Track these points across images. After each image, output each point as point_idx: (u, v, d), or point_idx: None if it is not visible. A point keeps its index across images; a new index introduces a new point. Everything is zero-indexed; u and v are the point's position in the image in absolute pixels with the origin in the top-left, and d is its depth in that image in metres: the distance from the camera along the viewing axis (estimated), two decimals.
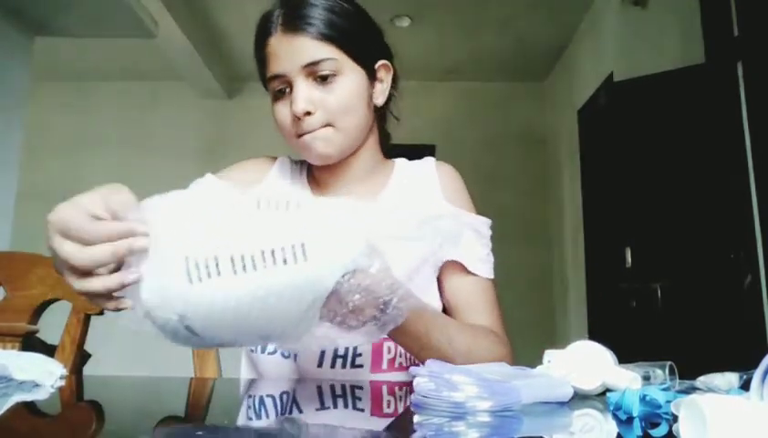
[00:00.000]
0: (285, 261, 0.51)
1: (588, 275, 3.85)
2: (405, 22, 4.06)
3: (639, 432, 0.48)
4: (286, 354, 0.84)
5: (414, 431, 0.49)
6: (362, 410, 0.62)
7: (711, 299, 2.50)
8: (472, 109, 5.03)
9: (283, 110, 0.85)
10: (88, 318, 0.99)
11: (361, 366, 0.82)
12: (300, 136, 0.84)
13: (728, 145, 2.38)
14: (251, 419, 0.57)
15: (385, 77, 0.91)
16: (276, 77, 0.83)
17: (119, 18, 2.66)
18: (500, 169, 4.92)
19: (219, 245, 0.50)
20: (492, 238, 0.91)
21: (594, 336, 3.46)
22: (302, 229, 0.52)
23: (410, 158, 1.00)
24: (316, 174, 0.96)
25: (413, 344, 0.72)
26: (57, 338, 0.97)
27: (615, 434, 0.49)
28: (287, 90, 0.83)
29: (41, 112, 4.52)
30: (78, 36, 3.00)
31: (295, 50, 0.81)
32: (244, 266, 0.50)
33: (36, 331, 1.00)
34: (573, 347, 0.62)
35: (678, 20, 2.94)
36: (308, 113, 0.82)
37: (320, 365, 0.82)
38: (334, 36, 0.81)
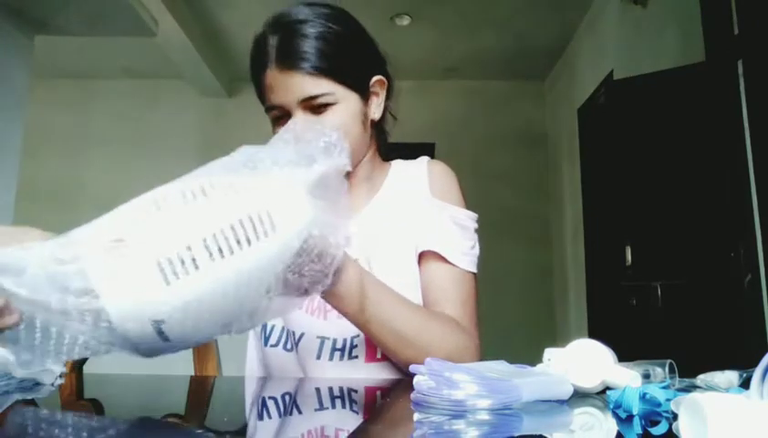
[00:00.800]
0: (256, 236, 0.50)
1: (588, 273, 3.85)
2: (405, 20, 4.06)
3: (639, 431, 0.48)
4: (288, 347, 0.87)
5: (414, 429, 0.49)
6: (357, 412, 0.62)
7: (711, 298, 2.50)
8: (472, 107, 5.03)
9: None
10: None
11: (357, 357, 0.84)
12: None
13: (728, 144, 2.38)
14: (257, 419, 0.57)
15: (380, 91, 0.93)
16: (274, 107, 0.85)
17: (120, 17, 2.66)
18: (500, 167, 4.92)
19: (186, 235, 0.48)
20: (478, 231, 0.92)
21: (594, 334, 3.46)
22: (259, 200, 0.52)
23: (409, 157, 1.01)
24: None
25: (358, 315, 0.71)
26: None
27: (615, 433, 0.49)
28: (285, 116, 0.85)
29: (41, 111, 4.53)
30: (79, 35, 3.00)
31: (292, 87, 0.82)
32: (220, 250, 0.48)
33: None
34: (573, 345, 0.62)
35: (678, 18, 2.94)
36: None
37: (319, 357, 0.85)
38: (328, 69, 0.83)
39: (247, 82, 0.93)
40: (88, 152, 4.95)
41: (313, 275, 0.60)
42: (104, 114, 5.03)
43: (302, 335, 0.86)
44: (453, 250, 0.87)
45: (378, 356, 0.85)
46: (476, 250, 0.90)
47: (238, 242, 0.49)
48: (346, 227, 0.62)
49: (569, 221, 4.40)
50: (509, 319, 4.41)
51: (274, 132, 0.88)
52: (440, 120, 4.87)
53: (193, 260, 0.47)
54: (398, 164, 1.00)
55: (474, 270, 0.89)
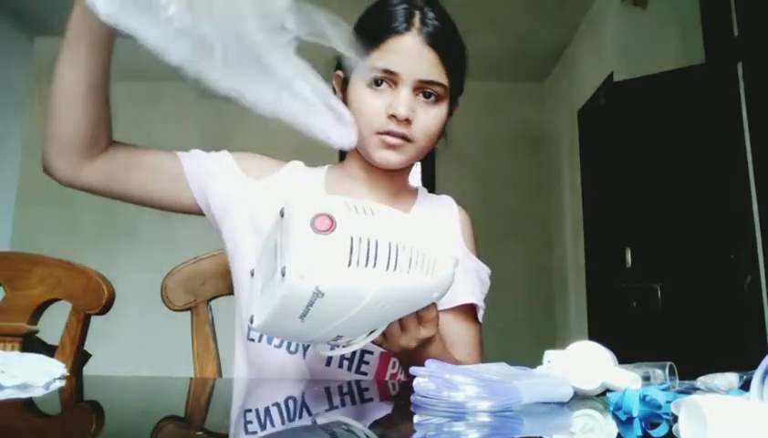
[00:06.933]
0: (425, 271, 0.56)
1: (588, 275, 3.85)
2: None
3: (639, 433, 0.48)
4: (293, 349, 0.85)
5: (414, 431, 0.49)
6: (356, 414, 0.62)
7: (712, 300, 2.50)
8: (472, 108, 5.02)
9: (375, 102, 0.84)
10: (88, 318, 0.99)
11: (366, 373, 0.84)
12: (381, 134, 0.85)
13: (728, 145, 2.38)
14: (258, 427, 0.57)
15: (454, 113, 0.95)
16: (386, 70, 0.83)
17: None
18: (500, 169, 4.92)
19: (385, 239, 0.54)
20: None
21: (594, 336, 3.46)
22: (432, 245, 0.59)
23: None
24: (351, 181, 0.95)
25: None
26: (57, 338, 0.97)
27: (615, 435, 0.49)
28: (385, 85, 0.84)
29: (41, 112, 4.52)
30: None
31: (421, 62, 0.83)
32: (396, 265, 0.54)
33: (37, 331, 1.00)
34: (573, 347, 0.62)
35: (678, 20, 2.94)
36: (407, 121, 0.84)
37: (329, 364, 0.84)
38: (452, 65, 0.85)
39: None
40: None
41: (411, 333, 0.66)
42: None
43: None
44: (480, 307, 0.92)
45: (386, 377, 0.85)
46: (484, 304, 0.95)
47: (415, 264, 0.56)
48: None
49: (569, 222, 4.40)
50: (509, 320, 4.40)
51: (360, 97, 0.85)
52: None
53: (376, 259, 0.54)
54: (424, 193, 1.01)
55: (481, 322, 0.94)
